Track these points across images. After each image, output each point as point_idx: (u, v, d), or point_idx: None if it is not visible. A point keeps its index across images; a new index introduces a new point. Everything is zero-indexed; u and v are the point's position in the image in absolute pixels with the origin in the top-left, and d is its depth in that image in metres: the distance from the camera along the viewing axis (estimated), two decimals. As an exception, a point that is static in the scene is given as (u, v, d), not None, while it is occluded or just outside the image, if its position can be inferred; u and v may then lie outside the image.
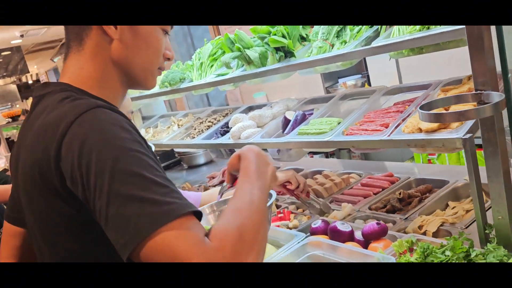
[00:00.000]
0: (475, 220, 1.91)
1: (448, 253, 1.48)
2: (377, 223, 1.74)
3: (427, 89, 1.89)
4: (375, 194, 2.46)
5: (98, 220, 0.84)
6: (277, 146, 2.12)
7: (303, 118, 2.14)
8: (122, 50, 1.03)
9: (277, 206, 2.49)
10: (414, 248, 1.61)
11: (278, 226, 2.12)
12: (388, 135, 1.64)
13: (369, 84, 4.91)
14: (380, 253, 1.57)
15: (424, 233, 1.92)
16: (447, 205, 2.23)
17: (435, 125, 1.51)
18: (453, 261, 1.44)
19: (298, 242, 1.77)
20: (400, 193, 2.21)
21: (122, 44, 1.03)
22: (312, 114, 2.21)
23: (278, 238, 1.95)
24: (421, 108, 1.32)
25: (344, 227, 1.79)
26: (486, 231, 1.47)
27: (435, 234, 1.90)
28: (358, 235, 1.80)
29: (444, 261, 1.45)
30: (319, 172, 3.00)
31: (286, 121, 2.19)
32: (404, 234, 1.80)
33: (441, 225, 1.93)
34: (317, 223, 1.92)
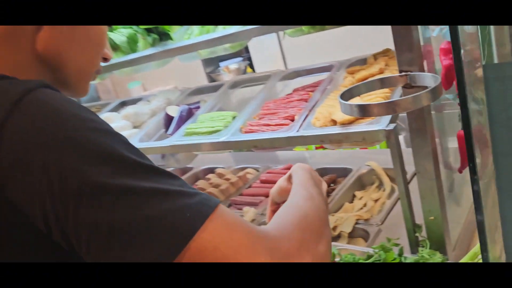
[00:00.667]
0: (389, 212, 1.76)
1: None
2: (291, 235, 1.45)
3: (330, 71, 1.65)
4: (277, 191, 2.20)
5: (89, 240, 0.55)
6: (162, 151, 1.72)
7: (189, 114, 1.76)
8: (53, 40, 0.73)
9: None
10: (337, 260, 1.37)
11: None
12: (297, 131, 1.35)
13: (252, 68, 4.68)
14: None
15: (339, 235, 1.71)
16: (354, 196, 2.07)
17: (350, 116, 1.25)
18: (385, 275, 1.21)
19: None
20: (306, 190, 1.97)
21: (53, 33, 0.72)
22: (199, 107, 1.84)
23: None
24: (342, 97, 1.04)
25: (252, 244, 1.47)
26: (416, 234, 1.27)
27: (351, 234, 1.70)
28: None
29: (375, 276, 1.22)
30: (211, 171, 2.66)
31: (169, 119, 1.79)
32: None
33: (356, 223, 1.73)
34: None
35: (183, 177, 2.74)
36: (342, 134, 1.25)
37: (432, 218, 1.21)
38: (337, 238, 1.71)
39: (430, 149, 1.14)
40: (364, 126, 1.23)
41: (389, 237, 1.60)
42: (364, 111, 0.96)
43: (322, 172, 2.30)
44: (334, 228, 1.71)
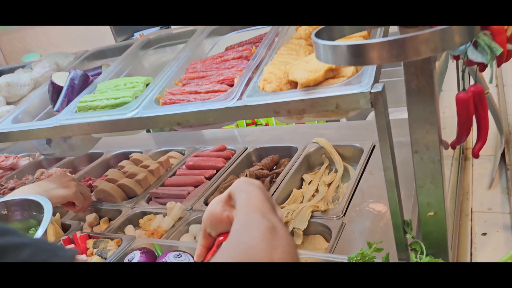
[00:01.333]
0: (350, 201, 1.42)
1: (358, 281, 0.91)
2: (234, 244, 1.06)
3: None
4: (208, 178, 1.79)
5: None
6: (47, 135, 1.22)
7: (84, 82, 1.27)
8: None
9: (66, 227, 1.58)
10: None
11: (68, 268, 1.26)
12: (240, 99, 0.94)
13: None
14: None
15: (291, 233, 1.34)
16: (302, 180, 1.72)
17: (318, 74, 0.87)
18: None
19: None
20: (246, 176, 1.58)
21: None
22: (100, 74, 1.36)
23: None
24: (318, 35, 0.65)
25: (180, 260, 1.06)
26: (407, 235, 0.94)
27: (307, 231, 1.34)
28: (205, 266, 1.09)
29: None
30: (126, 156, 2.17)
31: (56, 90, 1.29)
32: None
33: (311, 216, 1.37)
34: (134, 257, 1.14)
35: (90, 166, 2.22)
36: (307, 101, 0.86)
37: (431, 213, 0.88)
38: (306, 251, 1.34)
39: (436, 119, 0.80)
40: (339, 88, 0.85)
41: (355, 233, 1.27)
42: (364, 55, 0.58)
43: (262, 152, 1.92)
44: (286, 223, 1.35)
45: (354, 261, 0.95)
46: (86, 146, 1.44)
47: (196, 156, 1.95)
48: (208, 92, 1.04)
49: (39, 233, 0.90)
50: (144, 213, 1.64)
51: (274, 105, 0.90)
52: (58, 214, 1.58)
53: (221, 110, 0.94)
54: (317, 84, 0.88)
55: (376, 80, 0.84)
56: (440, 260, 0.87)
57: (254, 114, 0.93)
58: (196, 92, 1.05)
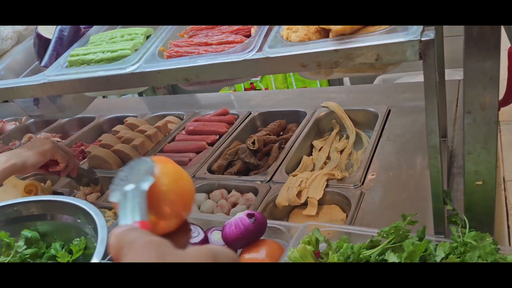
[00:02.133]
0: (368, 169, 1.32)
1: (393, 258, 0.81)
2: (249, 215, 0.95)
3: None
4: (210, 144, 1.66)
5: None
6: (34, 93, 1.07)
7: (75, 34, 1.12)
8: None
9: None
10: (322, 250, 0.90)
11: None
12: (259, 50, 0.81)
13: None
14: None
15: (306, 203, 1.24)
16: (312, 147, 1.60)
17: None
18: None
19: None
20: (253, 142, 1.46)
21: None
22: (92, 26, 1.20)
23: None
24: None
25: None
26: (448, 206, 0.83)
27: (322, 201, 1.24)
28: (215, 239, 0.99)
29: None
30: (120, 121, 2.03)
31: (43, 43, 1.13)
32: (288, 224, 1.06)
33: (326, 185, 1.27)
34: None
35: (81, 131, 2.08)
36: (342, 51, 0.73)
37: (479, 183, 0.78)
38: (303, 206, 1.24)
39: (497, 72, 0.68)
40: (381, 36, 0.72)
41: (375, 203, 1.17)
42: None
43: (267, 117, 1.80)
44: (299, 193, 1.24)
45: (386, 235, 0.84)
46: (77, 107, 1.30)
47: (196, 120, 1.82)
48: (220, 43, 0.90)
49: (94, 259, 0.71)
50: (142, 181, 1.52)
51: (301, 57, 0.77)
52: (49, 182, 1.46)
53: (239, 64, 0.81)
54: (354, 32, 0.75)
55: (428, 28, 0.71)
56: (488, 237, 0.77)
57: (277, 68, 0.80)
58: (207, 44, 0.91)
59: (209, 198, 1.36)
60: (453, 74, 2.01)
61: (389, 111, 1.59)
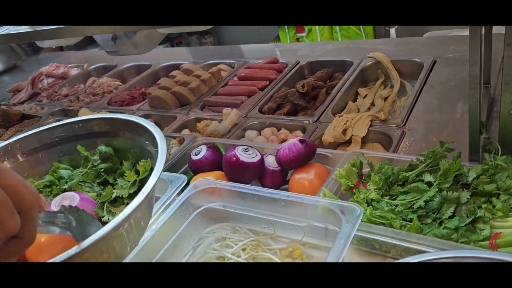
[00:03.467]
0: (410, 113, 1.41)
1: (429, 177, 0.92)
2: (301, 141, 1.07)
3: None
4: (261, 89, 1.79)
5: None
6: (111, 29, 1.21)
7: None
8: None
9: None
10: (365, 172, 1.02)
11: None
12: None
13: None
14: (325, 196, 0.93)
15: (350, 141, 1.35)
16: (357, 94, 1.70)
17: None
18: (443, 189, 0.88)
19: (176, 193, 1.02)
20: (303, 85, 1.57)
21: None
22: None
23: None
24: None
25: (249, 154, 1.09)
26: (483, 135, 0.92)
27: (365, 139, 1.35)
28: (269, 162, 1.13)
29: (427, 194, 0.89)
30: (174, 68, 2.18)
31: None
32: (335, 152, 1.18)
33: (370, 125, 1.37)
34: (201, 151, 1.18)
35: (139, 77, 2.25)
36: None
37: (513, 112, 0.86)
38: (347, 144, 1.36)
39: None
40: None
41: (416, 142, 1.27)
42: None
43: (315, 66, 1.89)
44: (344, 131, 1.35)
45: (424, 159, 0.95)
46: (149, 44, 1.44)
47: (247, 68, 1.94)
48: None
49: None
50: (198, 119, 1.68)
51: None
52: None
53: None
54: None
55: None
56: (518, 160, 0.86)
57: None
58: None
59: (260, 135, 1.49)
60: (501, 29, 2.01)
61: (435, 62, 1.65)
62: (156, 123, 1.77)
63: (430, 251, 0.79)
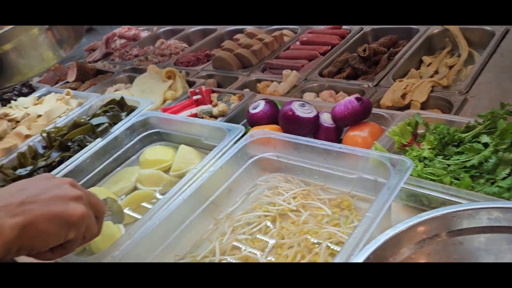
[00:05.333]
0: (475, 80, 1.36)
1: (486, 138, 0.90)
2: (357, 98, 1.09)
3: None
4: (322, 54, 1.79)
5: None
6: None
7: None
8: None
9: (192, 84, 1.73)
10: (421, 132, 1.02)
11: (195, 115, 1.39)
12: None
13: None
14: (376, 150, 0.95)
15: (409, 105, 1.34)
16: (421, 62, 1.66)
17: None
18: (499, 150, 0.86)
19: (233, 142, 1.08)
20: (364, 50, 1.56)
21: None
22: None
23: (200, 136, 1.24)
24: None
25: (305, 110, 1.12)
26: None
27: (424, 105, 1.33)
28: (325, 119, 1.15)
29: (482, 155, 0.88)
30: (240, 31, 2.23)
31: None
32: (391, 112, 1.18)
33: (431, 91, 1.35)
34: (258, 105, 1.23)
35: (205, 40, 2.32)
36: None
37: None
38: (405, 109, 1.34)
39: None
40: None
41: (477, 109, 1.24)
42: None
43: (379, 33, 1.86)
44: (404, 96, 1.34)
45: (483, 121, 0.93)
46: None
47: (310, 32, 1.95)
48: None
49: None
50: (258, 80, 1.72)
51: None
52: (183, 72, 1.72)
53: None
54: None
55: None
56: None
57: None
58: None
59: (318, 97, 1.51)
60: None
61: (507, 31, 1.56)
62: (218, 83, 1.85)
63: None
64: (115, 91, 1.80)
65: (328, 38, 1.85)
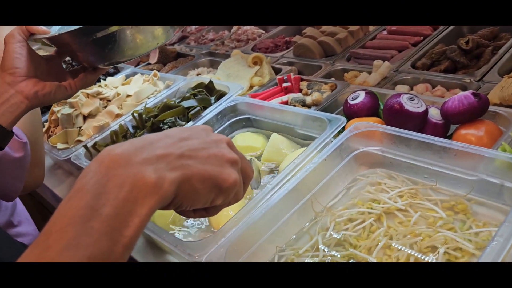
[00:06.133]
0: None
1: None
2: (474, 94, 1.00)
3: None
4: (413, 45, 1.70)
5: None
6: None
7: None
8: None
9: (276, 71, 1.69)
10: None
11: (286, 102, 1.35)
12: None
13: None
14: (505, 151, 0.87)
15: (521, 103, 1.23)
16: (526, 58, 1.52)
17: None
18: None
19: (334, 133, 1.03)
20: (467, 41, 1.45)
21: None
22: None
23: (293, 125, 1.20)
24: None
25: (414, 104, 1.05)
26: None
27: (538, 104, 1.22)
28: (432, 114, 1.08)
29: None
30: (319, 18, 2.16)
31: None
32: (510, 110, 1.09)
33: (547, 89, 1.23)
34: (358, 96, 1.17)
35: (281, 27, 2.27)
36: None
37: None
38: (515, 107, 1.24)
39: None
40: None
41: None
42: None
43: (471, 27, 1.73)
44: (514, 93, 1.23)
45: None
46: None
47: (399, 22, 1.85)
48: None
49: None
50: (344, 70, 1.66)
51: None
52: (269, 58, 1.68)
53: None
54: None
55: None
56: None
57: None
58: None
59: (412, 90, 1.43)
60: None
61: None
62: (299, 71, 1.79)
63: None
64: (197, 74, 1.80)
65: (420, 28, 1.75)
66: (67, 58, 1.47)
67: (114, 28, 0.84)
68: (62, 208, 0.46)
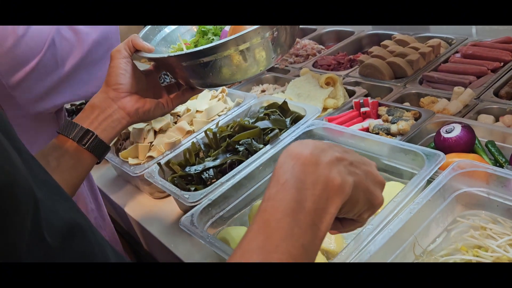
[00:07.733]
0: None
1: None
2: None
3: None
4: (492, 71, 1.61)
5: None
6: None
7: None
8: None
9: (349, 92, 1.63)
10: None
11: (366, 129, 1.29)
12: None
13: None
14: None
15: None
16: None
17: None
18: None
19: (434, 170, 0.97)
20: (561, 73, 1.36)
21: None
22: None
23: (378, 155, 1.14)
24: None
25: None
26: None
27: None
28: (538, 154, 1.00)
29: None
30: (382, 36, 2.09)
31: None
32: None
33: None
34: (454, 129, 1.10)
35: (342, 43, 2.22)
36: None
37: None
38: None
39: None
40: None
41: None
42: None
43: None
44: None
45: None
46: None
47: (474, 45, 1.77)
48: None
49: None
50: (419, 94, 1.59)
51: None
52: (341, 78, 1.63)
53: None
54: None
55: None
56: None
57: None
58: None
59: (497, 121, 1.35)
60: None
61: None
62: (367, 92, 1.73)
63: None
64: (262, 91, 1.76)
65: (498, 53, 1.66)
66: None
67: (223, 53, 0.81)
68: (273, 200, 0.50)
